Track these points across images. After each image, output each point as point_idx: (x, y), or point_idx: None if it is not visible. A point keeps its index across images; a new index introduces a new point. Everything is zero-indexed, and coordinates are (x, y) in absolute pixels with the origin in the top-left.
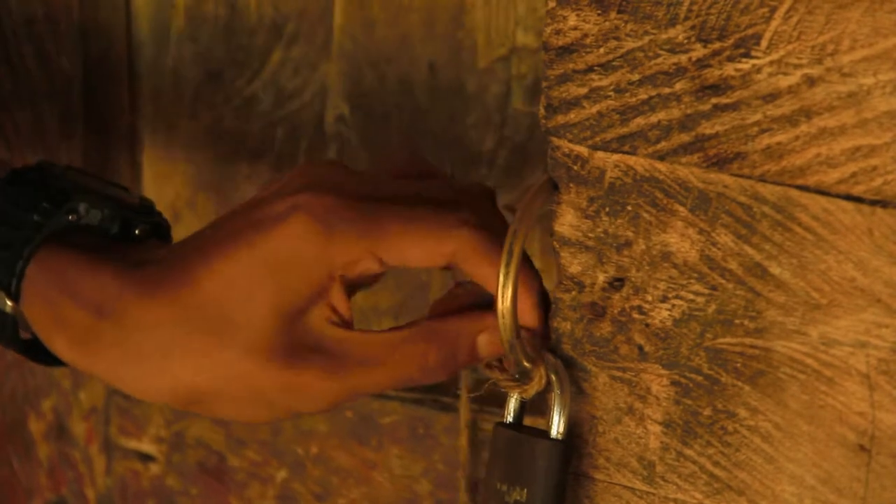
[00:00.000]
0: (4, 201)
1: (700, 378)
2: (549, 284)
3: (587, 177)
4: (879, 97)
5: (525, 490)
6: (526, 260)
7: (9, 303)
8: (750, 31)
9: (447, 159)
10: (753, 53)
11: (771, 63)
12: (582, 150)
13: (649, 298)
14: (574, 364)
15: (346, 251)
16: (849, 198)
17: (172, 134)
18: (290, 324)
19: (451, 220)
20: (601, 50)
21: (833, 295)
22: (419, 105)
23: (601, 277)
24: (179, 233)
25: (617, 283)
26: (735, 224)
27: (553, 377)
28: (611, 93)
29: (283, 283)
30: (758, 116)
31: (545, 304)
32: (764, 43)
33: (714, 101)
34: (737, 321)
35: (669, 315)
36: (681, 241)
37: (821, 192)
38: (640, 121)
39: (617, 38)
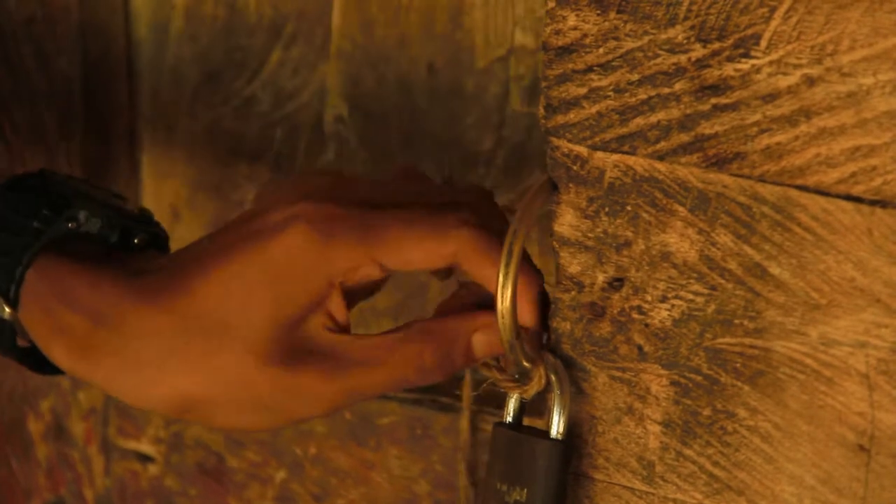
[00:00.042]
0: (4, 207)
1: (699, 378)
2: (548, 286)
3: (587, 177)
4: (879, 97)
5: (525, 490)
6: (526, 259)
7: (7, 309)
8: (749, 32)
9: (446, 159)
10: (753, 53)
11: (770, 63)
12: (581, 150)
13: (649, 298)
14: (574, 364)
15: (345, 258)
16: (848, 198)
17: (171, 134)
18: (288, 330)
19: (451, 220)
20: (601, 50)
21: (832, 295)
22: (418, 105)
23: (601, 277)
24: (179, 232)
25: (616, 283)
26: (734, 224)
27: (553, 377)
28: (610, 93)
29: (282, 292)
30: (757, 116)
31: (545, 303)
32: (763, 43)
33: (713, 101)
34: (736, 321)
35: (669, 315)
36: (680, 241)
37: (820, 192)
38: (639, 121)
39: (616, 39)
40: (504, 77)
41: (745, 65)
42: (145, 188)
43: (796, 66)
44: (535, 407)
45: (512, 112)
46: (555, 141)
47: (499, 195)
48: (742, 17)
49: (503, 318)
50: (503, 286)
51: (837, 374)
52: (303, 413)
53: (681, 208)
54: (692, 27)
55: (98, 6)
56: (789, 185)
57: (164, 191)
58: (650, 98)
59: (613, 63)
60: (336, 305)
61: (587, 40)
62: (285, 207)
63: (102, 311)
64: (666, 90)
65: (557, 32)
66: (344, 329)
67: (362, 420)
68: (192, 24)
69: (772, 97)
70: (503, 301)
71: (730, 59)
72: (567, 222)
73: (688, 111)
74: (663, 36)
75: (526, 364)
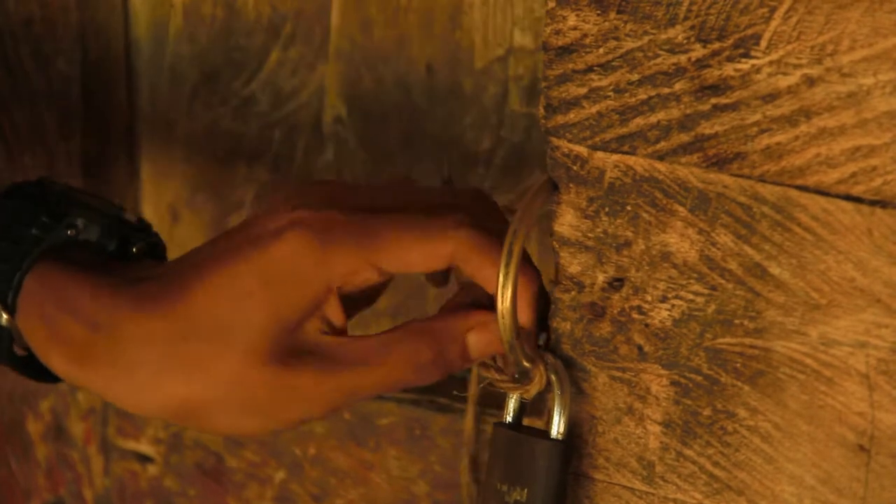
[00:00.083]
0: (3, 215)
1: (700, 378)
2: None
3: (587, 177)
4: (879, 97)
5: (525, 490)
6: (526, 259)
7: (4, 316)
8: (749, 32)
9: (444, 160)
10: (753, 54)
11: (770, 63)
12: (581, 150)
13: (649, 298)
14: (574, 364)
15: (343, 263)
16: (848, 198)
17: (170, 134)
18: (285, 334)
19: (448, 221)
20: (601, 50)
21: (832, 295)
22: (416, 106)
23: (601, 277)
24: (178, 232)
25: (616, 284)
26: (735, 224)
27: (553, 377)
28: (610, 93)
29: (279, 296)
30: (757, 116)
31: (545, 303)
32: (763, 43)
33: (713, 101)
34: (736, 321)
35: (669, 315)
36: (680, 241)
37: (820, 192)
38: (639, 121)
39: (616, 39)
40: (503, 77)
41: (745, 65)
42: (144, 188)
43: (796, 66)
44: (535, 407)
45: (511, 112)
46: (555, 141)
47: (498, 195)
48: (742, 17)
49: (503, 318)
50: (503, 286)
51: (837, 374)
52: (300, 415)
53: (681, 208)
54: (692, 27)
55: (97, 6)
56: (789, 185)
57: (162, 191)
58: (650, 98)
59: (613, 63)
60: (334, 310)
61: (587, 40)
62: (284, 214)
63: (100, 319)
64: (666, 90)
65: (557, 32)
66: (341, 334)
67: (361, 420)
68: (190, 24)
69: (772, 97)
70: (503, 301)
71: (730, 59)
72: (567, 222)
73: (688, 111)
74: (663, 36)
75: (526, 364)
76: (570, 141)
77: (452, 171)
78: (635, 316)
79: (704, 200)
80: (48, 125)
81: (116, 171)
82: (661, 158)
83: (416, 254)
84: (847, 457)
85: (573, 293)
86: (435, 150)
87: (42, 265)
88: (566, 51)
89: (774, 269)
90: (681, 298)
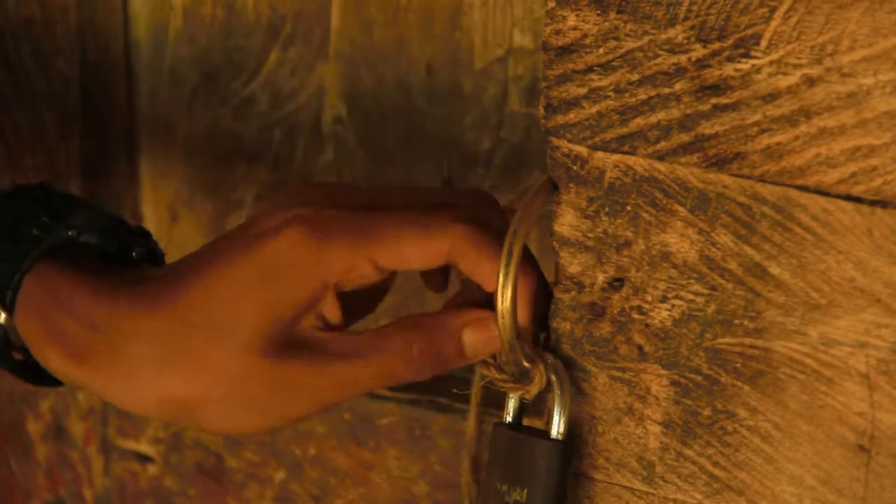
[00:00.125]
0: (5, 215)
1: (700, 378)
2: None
3: (587, 177)
4: (879, 97)
5: (525, 490)
6: (527, 259)
7: (2, 315)
8: (749, 32)
9: (444, 160)
10: (753, 54)
11: (770, 63)
12: (581, 150)
13: (649, 298)
14: (574, 364)
15: (340, 259)
16: (848, 198)
17: (170, 134)
18: (280, 329)
19: (445, 217)
20: (601, 50)
21: (833, 295)
22: (416, 106)
23: (601, 277)
24: (177, 233)
25: (616, 284)
26: (735, 224)
27: (553, 377)
28: (610, 93)
29: (276, 292)
30: (757, 117)
31: (546, 301)
32: (763, 43)
33: (714, 101)
34: (736, 321)
35: (669, 315)
36: (680, 241)
37: (820, 192)
38: (639, 121)
39: (616, 39)
40: (503, 77)
41: (745, 65)
42: (144, 188)
43: (796, 66)
44: (535, 407)
45: (510, 112)
46: (555, 141)
47: (498, 195)
48: (742, 17)
49: (503, 317)
50: (503, 286)
51: (837, 374)
52: (296, 411)
53: (681, 208)
54: (692, 27)
55: (97, 7)
56: (789, 185)
57: (162, 191)
58: (650, 98)
59: (613, 63)
60: (330, 308)
61: (587, 40)
62: (282, 212)
63: (99, 318)
64: (666, 90)
65: (557, 32)
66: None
67: (361, 420)
68: (190, 24)
69: (772, 97)
70: (503, 301)
71: (730, 59)
72: (567, 222)
73: (688, 111)
74: (663, 36)
75: (526, 364)
76: (570, 141)
77: (452, 172)
78: (635, 316)
79: (704, 200)
80: (48, 125)
81: (116, 172)
82: (661, 158)
83: (413, 249)
84: (847, 457)
85: (573, 293)
86: (435, 151)
87: (42, 265)
88: (566, 51)
89: (774, 269)
90: (681, 298)
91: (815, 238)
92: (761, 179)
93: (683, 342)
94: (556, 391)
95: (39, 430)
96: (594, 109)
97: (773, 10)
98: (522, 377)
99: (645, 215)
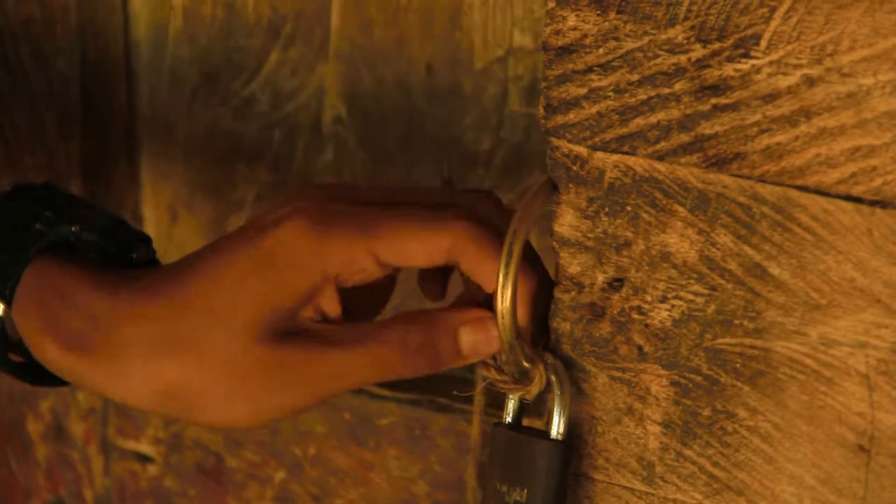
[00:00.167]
0: (8, 210)
1: (699, 378)
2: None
3: (586, 177)
4: (879, 97)
5: (525, 490)
6: (528, 258)
7: (0, 305)
8: (749, 32)
9: (444, 160)
10: (753, 54)
11: (770, 63)
12: (581, 150)
13: (649, 299)
14: (573, 364)
15: (340, 251)
16: (848, 198)
17: (170, 135)
18: (277, 318)
19: (447, 214)
20: (600, 50)
21: (832, 295)
22: (416, 106)
23: (600, 278)
24: (177, 233)
25: (616, 284)
26: (734, 224)
27: (553, 378)
28: (610, 93)
29: (274, 281)
30: (757, 117)
31: (546, 301)
32: (763, 43)
33: (713, 101)
34: (736, 321)
35: (669, 315)
36: (680, 241)
37: (820, 192)
38: (639, 121)
39: (616, 39)
40: (503, 77)
41: (745, 65)
42: (144, 189)
43: (796, 67)
44: (536, 407)
45: (510, 113)
46: (555, 141)
47: (498, 195)
48: (742, 18)
49: (503, 318)
50: (503, 286)
51: (837, 374)
52: (290, 400)
53: (681, 208)
54: (692, 27)
55: (97, 7)
56: (789, 186)
57: (162, 191)
58: (650, 98)
59: (613, 63)
60: (330, 301)
61: (587, 40)
62: (284, 207)
63: (99, 311)
64: (666, 90)
65: (557, 32)
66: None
67: (361, 420)
68: (190, 24)
69: (772, 97)
70: (503, 301)
71: (730, 60)
72: (567, 222)
73: (688, 111)
74: (663, 36)
75: (526, 364)
76: (569, 141)
77: (452, 172)
78: (635, 316)
79: (704, 200)
80: (48, 125)
81: (116, 172)
82: (660, 158)
83: (415, 244)
84: (847, 457)
85: (573, 293)
86: (435, 151)
87: (43, 259)
88: (566, 51)
89: (774, 270)
90: (680, 299)
91: (815, 238)
92: (761, 179)
93: (683, 342)
94: (556, 391)
95: (39, 430)
96: (594, 110)
97: (773, 10)
98: (522, 377)
99: (645, 215)
